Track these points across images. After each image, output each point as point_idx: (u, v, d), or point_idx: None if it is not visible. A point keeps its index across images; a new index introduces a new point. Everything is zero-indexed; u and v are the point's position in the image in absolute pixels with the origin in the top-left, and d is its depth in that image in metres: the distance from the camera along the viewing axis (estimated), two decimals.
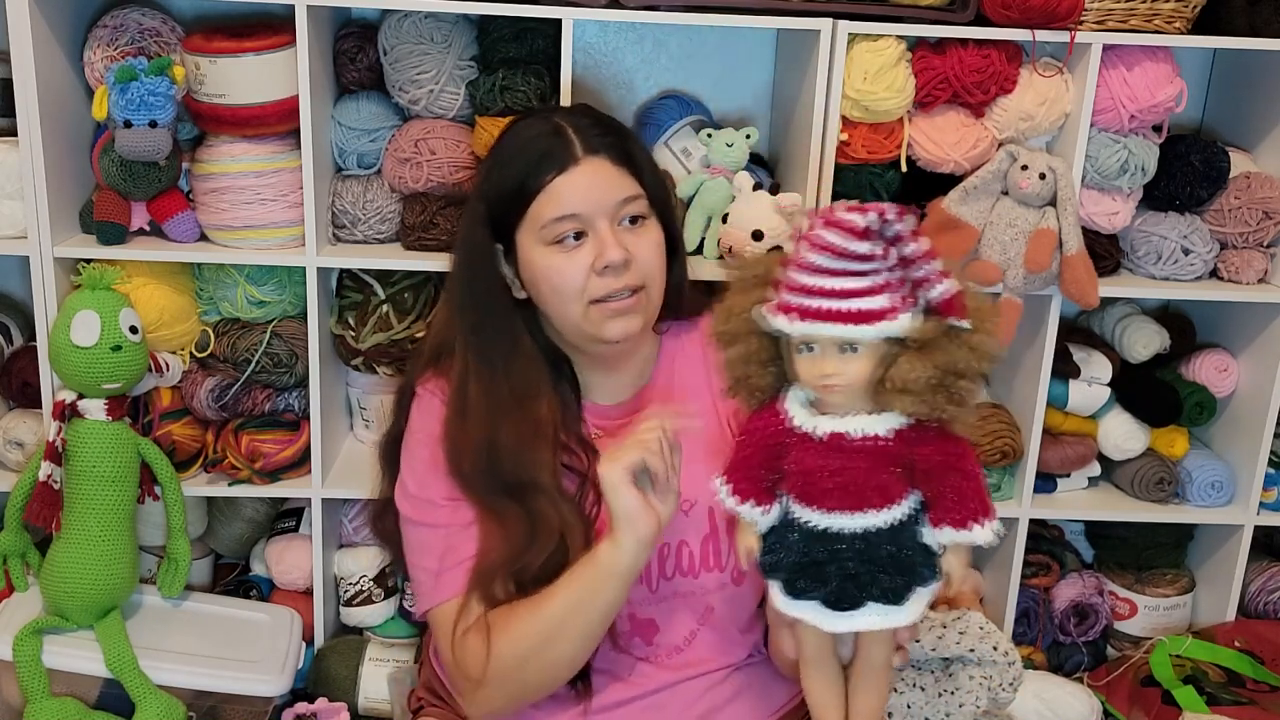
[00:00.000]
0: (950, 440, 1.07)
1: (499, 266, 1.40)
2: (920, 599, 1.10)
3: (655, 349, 1.48)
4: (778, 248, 1.64)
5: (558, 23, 1.70)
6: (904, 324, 1.03)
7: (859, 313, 1.03)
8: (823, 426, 1.08)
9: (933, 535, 1.08)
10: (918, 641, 1.54)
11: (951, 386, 1.04)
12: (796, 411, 1.10)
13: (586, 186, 1.33)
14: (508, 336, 1.41)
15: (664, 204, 1.42)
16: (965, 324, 1.04)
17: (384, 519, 1.53)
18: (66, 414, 1.67)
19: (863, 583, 1.08)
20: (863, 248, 1.02)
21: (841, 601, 1.09)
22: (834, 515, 1.07)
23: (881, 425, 1.06)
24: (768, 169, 2.00)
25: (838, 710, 1.19)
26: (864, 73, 1.73)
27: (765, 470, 1.12)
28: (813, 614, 1.11)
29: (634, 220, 1.36)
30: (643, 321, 1.38)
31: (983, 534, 1.06)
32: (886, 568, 1.08)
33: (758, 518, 1.13)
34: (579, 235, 1.33)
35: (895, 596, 1.09)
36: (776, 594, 1.13)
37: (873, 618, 1.10)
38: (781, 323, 1.06)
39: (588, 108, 1.45)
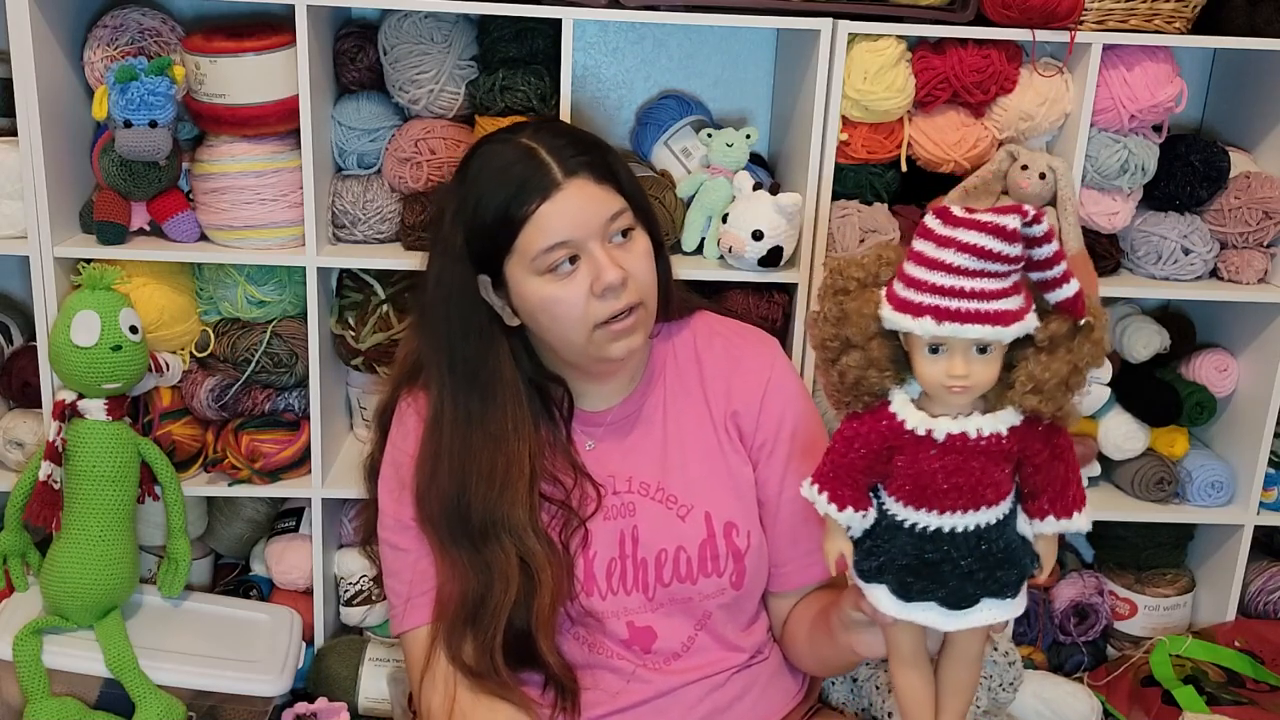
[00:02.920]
0: (1059, 434, 1.08)
1: (485, 297, 1.37)
2: (1025, 588, 1.12)
3: (645, 352, 1.46)
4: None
5: (558, 23, 1.70)
6: (1031, 324, 1.03)
7: (999, 313, 1.01)
8: (942, 428, 1.06)
9: (1029, 525, 1.09)
10: None
11: (1074, 383, 1.05)
12: (909, 414, 1.07)
13: (573, 211, 1.29)
14: (489, 374, 1.38)
15: (645, 209, 1.39)
16: (1089, 320, 1.04)
17: (373, 537, 1.54)
18: (66, 414, 1.67)
19: (979, 580, 1.08)
20: (1009, 250, 1.00)
21: (961, 601, 1.09)
22: (947, 515, 1.06)
23: (1000, 424, 1.06)
24: (768, 169, 2.00)
25: (930, 708, 1.18)
26: (864, 73, 1.72)
27: (867, 474, 1.09)
28: (929, 615, 1.10)
29: (624, 234, 1.33)
30: (644, 335, 1.37)
31: (1080, 522, 1.08)
32: (1001, 563, 1.08)
33: (855, 523, 1.11)
34: (573, 259, 1.30)
35: (1012, 590, 1.09)
36: (884, 598, 1.11)
37: (990, 613, 1.10)
38: (916, 324, 1.02)
39: (555, 123, 1.40)
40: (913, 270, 1.03)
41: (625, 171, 1.38)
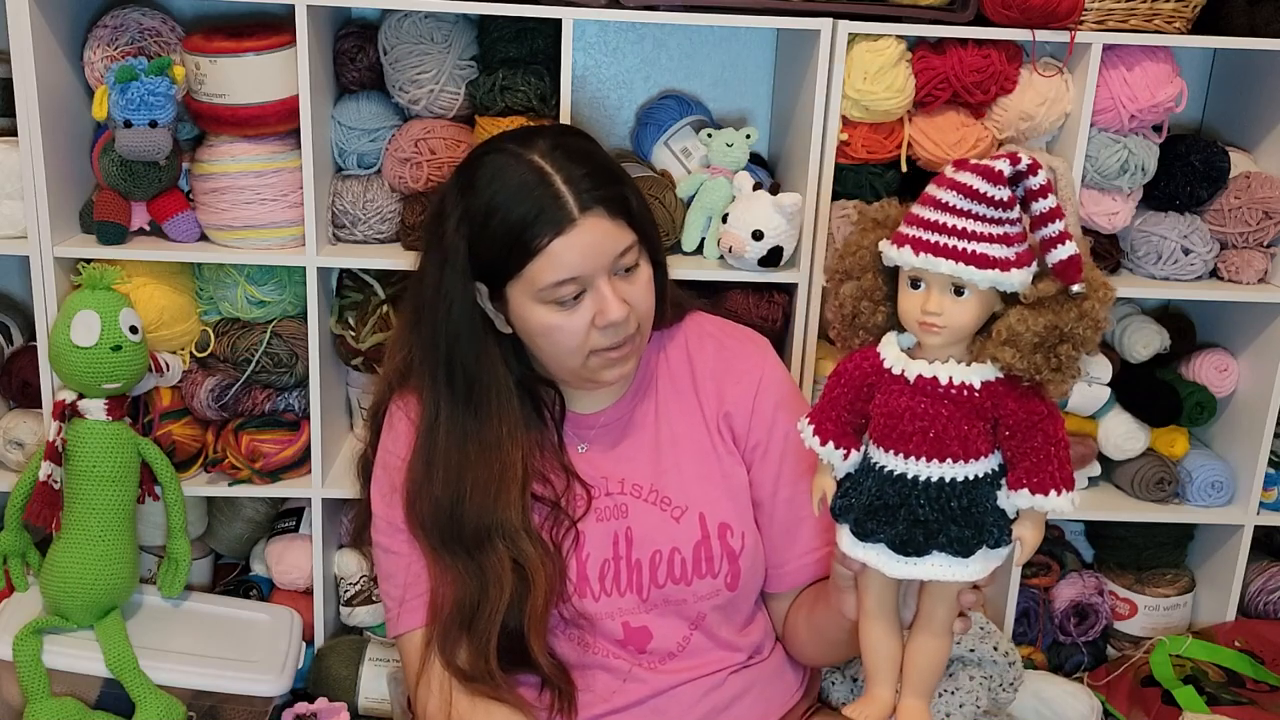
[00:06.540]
0: (1038, 402, 1.07)
1: (480, 304, 1.36)
2: (987, 559, 1.10)
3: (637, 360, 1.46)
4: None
5: (558, 23, 1.70)
6: (1018, 279, 1.03)
7: (975, 255, 1.03)
8: (913, 369, 1.08)
9: (1008, 499, 1.08)
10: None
11: (1055, 349, 1.04)
12: (889, 352, 1.10)
13: (585, 247, 1.28)
14: (483, 378, 1.38)
15: (652, 236, 1.39)
16: (1080, 288, 1.03)
17: (364, 535, 1.54)
18: (66, 414, 1.67)
19: (931, 530, 1.08)
20: (994, 192, 1.02)
21: (908, 546, 1.09)
22: (911, 461, 1.08)
23: (974, 375, 1.07)
24: (768, 169, 2.00)
25: (892, 665, 1.18)
26: (864, 73, 1.72)
27: (850, 411, 1.12)
28: (877, 557, 1.11)
29: (629, 267, 1.34)
30: (636, 360, 1.38)
31: (1060, 503, 1.06)
32: (959, 520, 1.08)
33: (837, 461, 1.13)
34: (577, 292, 1.30)
35: (963, 549, 1.08)
36: (844, 536, 1.13)
37: (937, 567, 1.09)
38: (896, 253, 1.06)
39: (570, 141, 1.37)
40: (914, 208, 1.07)
41: (636, 200, 1.36)
